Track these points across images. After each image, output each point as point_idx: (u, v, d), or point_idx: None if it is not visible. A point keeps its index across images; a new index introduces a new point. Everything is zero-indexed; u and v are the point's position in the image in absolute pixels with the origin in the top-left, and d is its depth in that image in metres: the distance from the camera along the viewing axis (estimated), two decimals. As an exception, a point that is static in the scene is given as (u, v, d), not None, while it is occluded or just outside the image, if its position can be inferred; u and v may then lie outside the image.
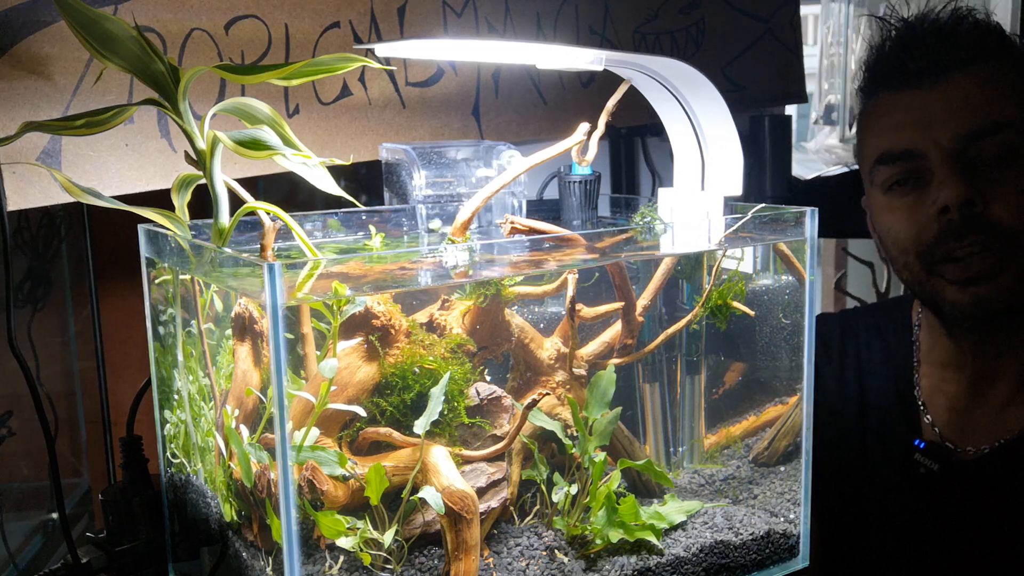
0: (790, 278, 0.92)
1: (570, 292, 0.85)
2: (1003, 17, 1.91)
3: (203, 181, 0.70)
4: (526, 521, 0.84)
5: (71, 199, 0.71)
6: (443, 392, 0.76)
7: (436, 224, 0.87)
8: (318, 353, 0.75)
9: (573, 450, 0.85)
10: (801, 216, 0.85)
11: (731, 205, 0.87)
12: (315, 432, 0.72)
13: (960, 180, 0.94)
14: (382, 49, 0.84)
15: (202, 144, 0.68)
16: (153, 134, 0.90)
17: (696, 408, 1.01)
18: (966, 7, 1.01)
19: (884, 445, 1.11)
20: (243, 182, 0.73)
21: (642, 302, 0.91)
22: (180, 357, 0.81)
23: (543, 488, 0.85)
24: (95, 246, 1.24)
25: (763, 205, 0.84)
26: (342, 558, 0.73)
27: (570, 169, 0.89)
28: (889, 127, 1.01)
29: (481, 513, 0.76)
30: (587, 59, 0.79)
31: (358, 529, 0.73)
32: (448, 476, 0.75)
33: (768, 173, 1.56)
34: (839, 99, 2.21)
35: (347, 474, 0.73)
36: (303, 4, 0.97)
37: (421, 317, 0.83)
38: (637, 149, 1.71)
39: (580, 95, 1.26)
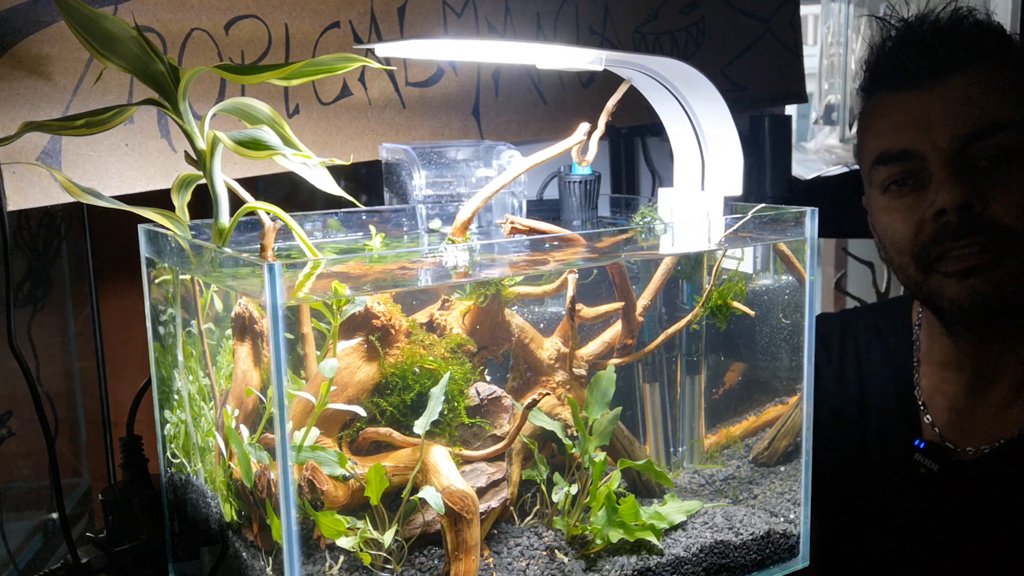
0: (790, 278, 0.92)
1: (570, 292, 0.85)
2: (1003, 17, 1.91)
3: (203, 181, 0.70)
4: (526, 521, 0.84)
5: (71, 199, 0.71)
6: (443, 392, 0.76)
7: (436, 224, 0.87)
8: (318, 353, 0.75)
9: (573, 450, 0.85)
10: (801, 216, 0.85)
11: (731, 205, 0.87)
12: (315, 432, 0.72)
13: (958, 182, 0.94)
14: (382, 49, 0.84)
15: (202, 144, 0.68)
16: (153, 134, 0.90)
17: (696, 408, 1.01)
18: (966, 7, 1.01)
19: (884, 445, 1.11)
20: (243, 182, 0.73)
21: (642, 302, 0.91)
22: (180, 357, 0.81)
23: (543, 488, 0.85)
24: (95, 246, 1.24)
25: (763, 205, 0.84)
26: (342, 558, 0.73)
27: (570, 169, 0.89)
28: (888, 127, 1.01)
29: (481, 513, 0.76)
30: (587, 59, 0.79)
31: (358, 529, 0.73)
32: (448, 476, 0.75)
33: (768, 173, 1.56)
34: (839, 99, 2.21)
35: (347, 474, 0.73)
36: (303, 4, 0.97)
37: (421, 317, 0.83)
38: (637, 149, 1.71)
39: (580, 95, 1.26)
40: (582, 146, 0.85)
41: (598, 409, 0.86)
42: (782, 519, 0.90)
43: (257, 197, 0.70)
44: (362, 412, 0.75)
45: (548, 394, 0.87)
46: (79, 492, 1.37)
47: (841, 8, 2.18)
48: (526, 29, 1.19)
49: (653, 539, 0.82)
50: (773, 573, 0.87)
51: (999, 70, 0.97)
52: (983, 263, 0.95)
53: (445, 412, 0.77)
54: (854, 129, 2.15)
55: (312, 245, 0.70)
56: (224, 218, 0.70)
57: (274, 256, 0.68)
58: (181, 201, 0.73)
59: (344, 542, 0.72)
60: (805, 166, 2.26)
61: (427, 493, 0.73)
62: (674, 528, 0.85)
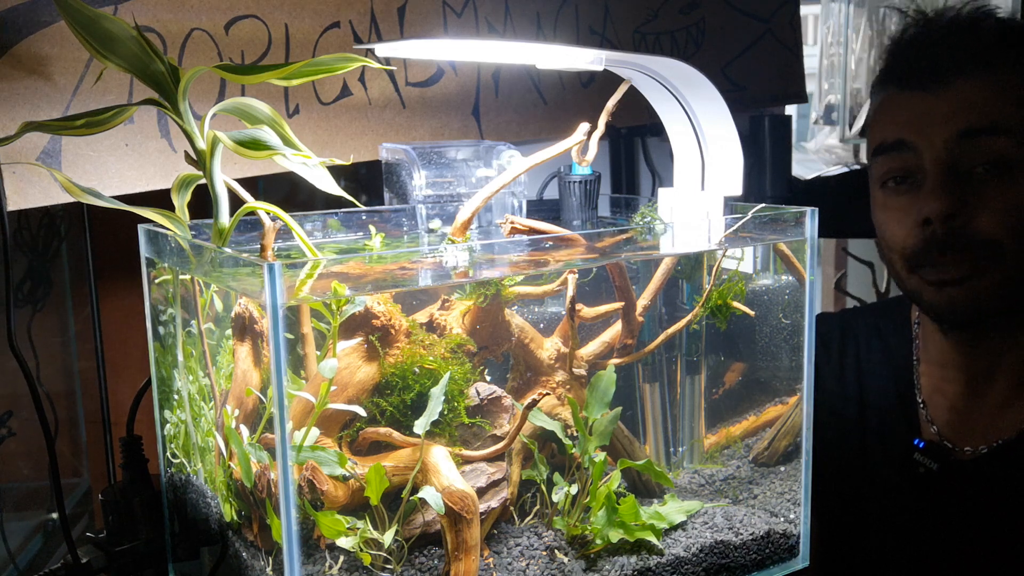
0: (790, 278, 0.92)
1: (570, 292, 0.85)
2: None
3: (203, 181, 0.70)
4: (526, 521, 0.84)
5: (71, 199, 0.71)
6: (443, 392, 0.76)
7: (436, 224, 0.87)
8: (318, 353, 0.75)
9: (573, 450, 0.85)
10: (801, 216, 0.85)
11: (731, 205, 0.87)
12: (315, 432, 0.72)
13: (946, 193, 0.95)
14: (382, 49, 0.84)
15: (202, 144, 0.68)
16: (153, 134, 0.90)
17: (696, 408, 1.01)
18: (987, 7, 1.00)
19: (884, 445, 1.11)
20: (243, 182, 0.73)
21: (642, 302, 0.91)
22: (180, 357, 0.81)
23: (543, 488, 0.85)
24: (95, 246, 1.24)
25: (763, 205, 0.84)
26: (342, 558, 0.73)
27: (570, 169, 0.89)
28: (889, 122, 1.02)
29: (481, 513, 0.76)
30: (587, 59, 0.79)
31: (358, 529, 0.73)
32: (448, 476, 0.75)
33: (768, 173, 1.56)
34: (839, 99, 2.21)
35: (347, 474, 0.73)
36: (303, 4, 0.97)
37: (421, 317, 0.83)
38: (637, 149, 1.71)
39: (580, 95, 1.26)
40: (582, 146, 0.85)
41: (598, 409, 0.86)
42: (782, 519, 0.90)
43: (257, 197, 0.70)
44: (362, 412, 0.75)
45: (548, 394, 0.87)
46: (79, 492, 1.37)
47: (841, 8, 2.18)
48: (526, 29, 1.19)
49: (653, 539, 0.82)
50: (773, 573, 0.87)
51: (1010, 75, 0.96)
52: (961, 275, 0.96)
53: (445, 412, 0.77)
54: (854, 129, 2.16)
55: (312, 245, 0.70)
56: (224, 218, 0.70)
57: (274, 256, 0.68)
58: (181, 201, 0.73)
59: (344, 542, 0.72)
60: (805, 166, 2.26)
61: (427, 493, 0.73)
62: (674, 528, 0.85)
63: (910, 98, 0.99)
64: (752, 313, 0.93)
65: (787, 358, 0.91)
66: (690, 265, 0.95)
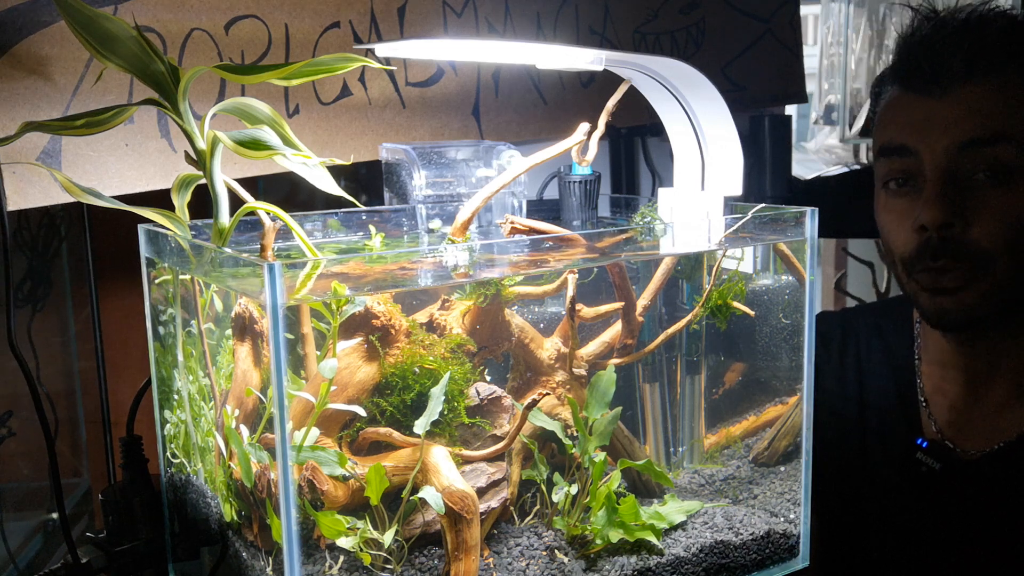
0: (790, 278, 0.92)
1: (570, 292, 0.85)
2: (1003, 17, 1.90)
3: (203, 181, 0.70)
4: (526, 521, 0.84)
5: (71, 199, 0.71)
6: (443, 392, 0.76)
7: (436, 224, 0.87)
8: (318, 353, 0.75)
9: (573, 450, 0.85)
10: (801, 216, 0.85)
11: (731, 205, 0.87)
12: (315, 432, 0.72)
13: (942, 202, 0.95)
14: (382, 49, 0.84)
15: (202, 144, 0.68)
16: (153, 134, 0.89)
17: (696, 408, 1.01)
18: (999, 8, 0.98)
19: (885, 444, 1.11)
20: (243, 182, 0.73)
21: (642, 302, 0.91)
22: (180, 357, 0.81)
23: (543, 488, 0.85)
24: (95, 246, 1.24)
25: (763, 205, 0.84)
26: (342, 558, 0.73)
27: (570, 169, 0.89)
28: (892, 122, 1.01)
29: (481, 513, 0.76)
30: (587, 59, 0.79)
31: (358, 529, 0.73)
32: (448, 476, 0.75)
33: (768, 173, 1.56)
34: (839, 99, 2.21)
35: (347, 474, 0.73)
36: (303, 4, 0.97)
37: (421, 317, 0.83)
38: (637, 149, 1.71)
39: (580, 95, 1.26)
40: (582, 146, 0.85)
41: (598, 409, 0.86)
42: (782, 519, 0.90)
43: (257, 197, 0.70)
44: (362, 412, 0.75)
45: (548, 394, 0.87)
46: (79, 492, 1.37)
47: (841, 8, 2.18)
48: (526, 29, 1.19)
49: (653, 539, 0.82)
50: (773, 573, 0.87)
51: (1016, 79, 0.95)
52: (953, 285, 0.97)
53: (445, 412, 0.77)
54: (854, 129, 2.16)
55: (312, 245, 0.70)
56: (224, 218, 0.70)
57: (274, 256, 0.68)
58: (181, 201, 0.73)
59: (344, 542, 0.72)
60: (805, 166, 2.26)
61: (427, 493, 0.73)
62: (674, 528, 0.85)
63: (914, 101, 0.99)
64: (752, 313, 0.93)
65: (787, 358, 0.91)
66: (690, 265, 0.95)
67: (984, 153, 0.94)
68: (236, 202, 0.70)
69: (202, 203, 0.73)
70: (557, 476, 0.85)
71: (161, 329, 0.84)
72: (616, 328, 0.91)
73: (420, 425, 0.76)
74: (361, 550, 0.73)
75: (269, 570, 0.71)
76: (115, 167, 0.87)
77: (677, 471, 0.99)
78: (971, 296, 0.97)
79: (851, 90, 2.18)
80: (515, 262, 0.76)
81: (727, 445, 1.00)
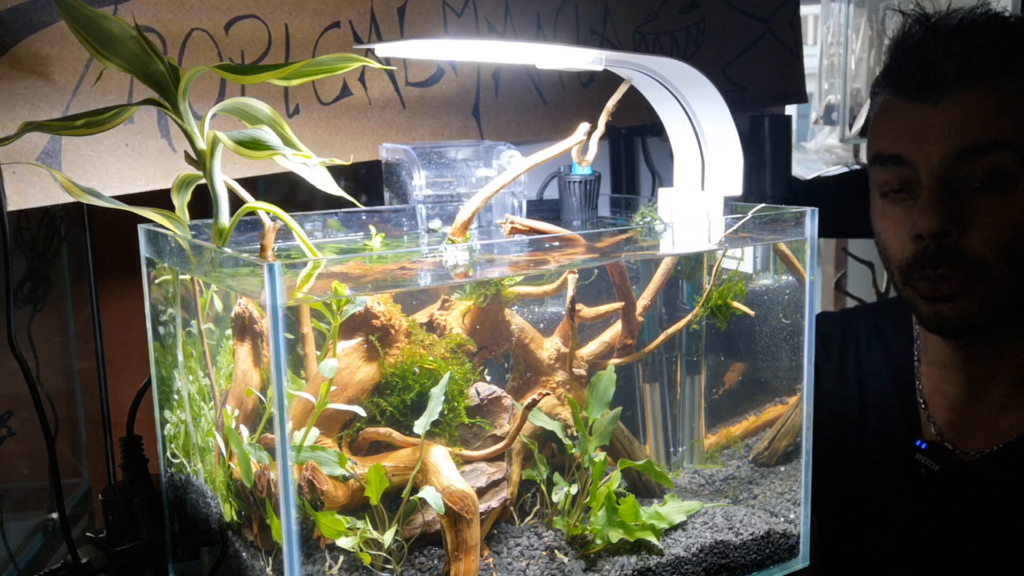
0: (790, 278, 0.92)
1: (570, 292, 0.85)
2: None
3: (203, 181, 0.70)
4: (526, 521, 0.84)
5: (71, 199, 0.71)
6: (443, 392, 0.76)
7: (436, 224, 0.87)
8: (318, 353, 0.75)
9: (573, 450, 0.85)
10: (801, 216, 0.85)
11: (731, 205, 0.87)
12: (315, 432, 0.72)
13: (939, 210, 0.94)
14: (382, 49, 0.84)
15: (202, 144, 0.68)
16: (153, 134, 0.90)
17: (696, 408, 1.01)
18: (992, 11, 0.97)
19: (884, 445, 1.11)
20: (243, 182, 0.73)
21: (642, 302, 0.91)
22: (180, 357, 0.81)
23: (543, 488, 0.85)
24: (95, 246, 1.24)
25: (763, 205, 0.84)
26: (342, 558, 0.73)
27: (570, 169, 0.89)
28: (888, 130, 1.01)
29: (481, 513, 0.76)
30: (587, 59, 0.79)
31: (358, 529, 0.73)
32: (448, 476, 0.75)
33: (768, 173, 1.56)
34: (839, 99, 2.21)
35: (347, 474, 0.73)
36: (303, 4, 0.97)
37: (421, 317, 0.83)
38: (637, 149, 1.71)
39: (580, 95, 1.26)
40: (582, 146, 0.85)
41: (598, 409, 0.86)
42: (782, 519, 0.90)
43: (257, 197, 0.70)
44: (362, 412, 0.75)
45: (548, 394, 0.87)
46: (79, 492, 1.37)
47: (841, 8, 2.18)
48: (526, 29, 1.19)
49: (653, 539, 0.82)
50: (773, 573, 0.87)
51: (1010, 84, 0.93)
52: (950, 292, 0.97)
53: (445, 412, 0.77)
54: (854, 129, 2.16)
55: (312, 245, 0.70)
56: (224, 218, 0.70)
57: (274, 256, 0.68)
58: (181, 201, 0.73)
59: (344, 542, 0.72)
60: (805, 166, 2.26)
61: (427, 493, 0.73)
62: (674, 528, 0.85)
63: (908, 108, 0.98)
64: (752, 313, 0.93)
65: (787, 358, 0.91)
66: (690, 265, 0.95)
67: (980, 161, 0.93)
68: (236, 202, 0.70)
69: (202, 203, 0.73)
70: (557, 476, 0.85)
71: (161, 329, 0.84)
72: (616, 328, 0.91)
73: (420, 425, 0.76)
74: (361, 550, 0.73)
75: (269, 570, 0.71)
76: (115, 167, 0.87)
77: (677, 471, 0.99)
78: (970, 303, 0.97)
79: (851, 90, 2.18)
80: (515, 262, 0.76)
81: (727, 445, 1.00)
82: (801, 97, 1.65)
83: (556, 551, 0.80)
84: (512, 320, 0.86)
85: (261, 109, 0.71)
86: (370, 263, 0.70)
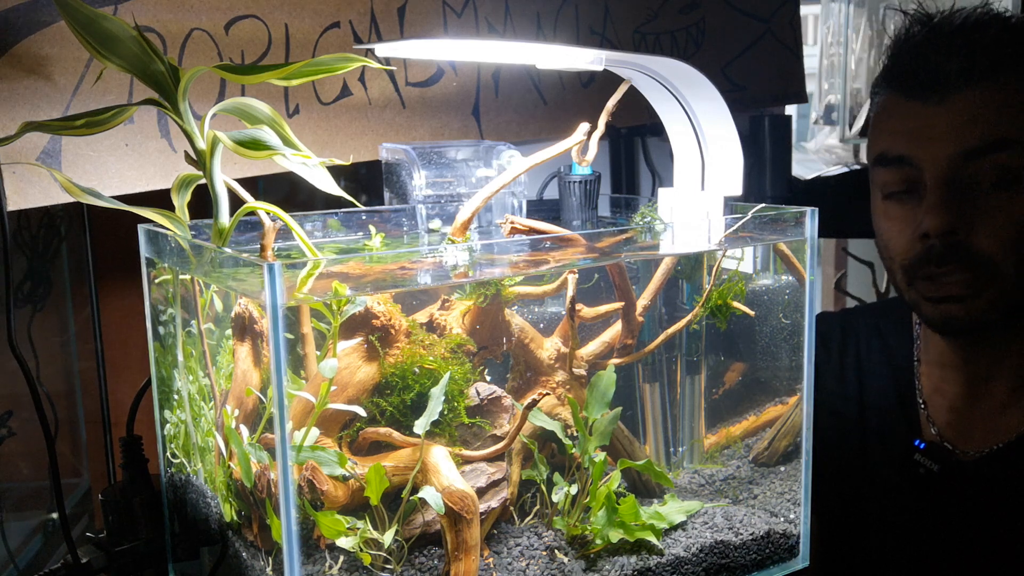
0: (790, 278, 0.92)
1: (570, 292, 0.85)
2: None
3: (203, 181, 0.70)
4: (526, 521, 0.84)
5: (71, 199, 0.71)
6: (443, 392, 0.76)
7: (436, 224, 0.87)
8: (318, 353, 0.75)
9: (573, 450, 0.85)
10: (801, 216, 0.85)
11: (731, 205, 0.87)
12: (315, 432, 0.72)
13: (946, 209, 0.94)
14: (382, 49, 0.84)
15: (202, 144, 0.68)
16: (153, 134, 0.90)
17: (696, 408, 1.01)
18: (994, 11, 0.97)
19: (884, 445, 1.11)
20: (243, 182, 0.73)
21: (642, 302, 0.91)
22: (180, 357, 0.81)
23: (543, 488, 0.85)
24: (95, 246, 1.24)
25: (763, 205, 0.84)
26: (342, 558, 0.73)
27: (570, 169, 0.89)
28: (891, 130, 1.00)
29: (481, 513, 0.76)
30: (587, 59, 0.79)
31: (358, 529, 0.73)
32: (448, 476, 0.75)
33: (768, 173, 1.56)
34: (839, 99, 2.21)
35: (347, 474, 0.73)
36: (303, 4, 0.97)
37: (421, 317, 0.83)
38: (637, 149, 1.71)
39: (580, 95, 1.26)
40: (582, 146, 0.85)
41: (598, 409, 0.86)
42: (782, 519, 0.90)
43: (257, 197, 0.70)
44: (362, 412, 0.75)
45: (548, 394, 0.87)
46: (79, 492, 1.37)
47: (841, 8, 2.18)
48: (526, 29, 1.19)
49: (653, 539, 0.82)
50: (773, 573, 0.87)
51: (1014, 84, 0.93)
52: (959, 293, 0.96)
53: (445, 412, 0.77)
54: (854, 129, 2.16)
55: (312, 245, 0.70)
56: (224, 218, 0.70)
57: (274, 256, 0.68)
58: (181, 201, 0.73)
59: (344, 542, 0.72)
60: (805, 166, 2.26)
61: (427, 493, 0.73)
62: (674, 528, 0.85)
63: (912, 107, 0.97)
64: (752, 313, 0.93)
65: (787, 358, 0.91)
66: (690, 265, 0.95)
67: (987, 160, 0.93)
68: (236, 202, 0.70)
69: (202, 203, 0.73)
70: (557, 476, 0.85)
71: (161, 329, 0.84)
72: (616, 328, 0.91)
73: (420, 425, 0.76)
74: (361, 550, 0.73)
75: (269, 570, 0.71)
76: (115, 167, 0.87)
77: (677, 471, 0.99)
78: (980, 303, 0.96)
79: (851, 90, 2.18)
80: (515, 262, 0.76)
81: (727, 445, 1.00)
82: (801, 97, 1.65)
83: (556, 551, 0.80)
84: (512, 320, 0.86)
85: (261, 109, 0.71)
86: (370, 263, 0.70)
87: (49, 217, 1.28)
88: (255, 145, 0.69)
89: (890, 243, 1.02)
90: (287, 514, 0.62)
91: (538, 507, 0.85)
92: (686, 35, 1.42)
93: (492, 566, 0.78)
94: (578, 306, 0.87)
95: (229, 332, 0.77)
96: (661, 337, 0.93)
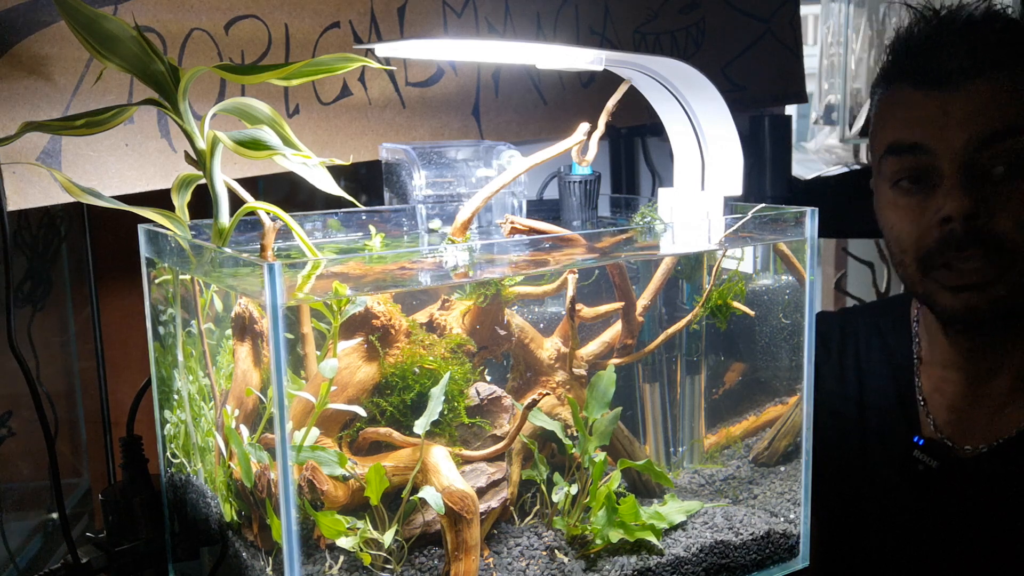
0: (790, 278, 0.92)
1: (570, 292, 0.85)
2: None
3: (203, 181, 0.70)
4: (526, 521, 0.84)
5: (71, 199, 0.71)
6: (443, 392, 0.76)
7: (436, 224, 0.87)
8: (318, 353, 0.75)
9: (573, 450, 0.85)
10: (801, 216, 0.85)
11: (731, 205, 0.87)
12: (315, 432, 0.72)
13: (966, 192, 0.94)
14: (382, 49, 0.84)
15: (202, 144, 0.68)
16: (153, 134, 0.90)
17: (696, 408, 1.01)
18: (1000, 6, 0.98)
19: (884, 444, 1.11)
20: (243, 182, 0.73)
21: (642, 302, 0.91)
22: (180, 357, 0.81)
23: (543, 488, 0.85)
24: (95, 246, 1.24)
25: (763, 205, 0.84)
26: (342, 558, 0.73)
27: (570, 169, 0.89)
28: (904, 120, 1.00)
29: (481, 513, 0.76)
30: (587, 59, 0.79)
31: (358, 529, 0.73)
32: (448, 476, 0.75)
33: (768, 173, 1.56)
34: (839, 99, 2.21)
35: (347, 474, 0.73)
36: (303, 4, 0.97)
37: (421, 317, 0.83)
38: (637, 149, 1.71)
39: (580, 95, 1.26)
40: (582, 146, 0.85)
41: (598, 409, 0.86)
42: (782, 519, 0.90)
43: (257, 197, 0.70)
44: (362, 412, 0.75)
45: (548, 394, 0.87)
46: (79, 492, 1.37)
47: (841, 8, 2.18)
48: (526, 29, 1.19)
49: (653, 539, 0.82)
50: (773, 573, 0.87)
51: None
52: (979, 280, 0.96)
53: (445, 412, 0.77)
54: (854, 129, 2.16)
55: (312, 245, 0.70)
56: (224, 218, 0.70)
57: (274, 256, 0.68)
58: (181, 201, 0.73)
59: (344, 542, 0.72)
60: (805, 166, 2.26)
61: (427, 493, 0.73)
62: (674, 528, 0.85)
63: (924, 97, 0.97)
64: (752, 313, 0.93)
65: (787, 358, 0.91)
66: (690, 265, 0.95)
67: (1004, 146, 0.93)
68: (236, 202, 0.70)
69: (202, 203, 0.73)
70: (557, 476, 0.85)
71: (161, 329, 0.84)
72: (616, 328, 0.91)
73: (420, 425, 0.76)
74: (361, 550, 0.73)
75: (269, 570, 0.71)
76: (115, 167, 0.87)
77: (677, 471, 0.99)
78: (1001, 289, 0.95)
79: (851, 90, 2.18)
80: (515, 262, 0.76)
81: (727, 445, 1.00)
82: (801, 97, 1.65)
83: (556, 551, 0.80)
84: (512, 320, 0.86)
85: (261, 109, 0.71)
86: (370, 263, 0.70)
87: (49, 217, 1.28)
88: (255, 145, 0.69)
89: (902, 234, 1.01)
90: (287, 514, 0.62)
91: (538, 507, 0.85)
92: (686, 35, 1.42)
93: (492, 566, 0.78)
94: (578, 306, 0.87)
95: (229, 332, 0.77)
96: (661, 337, 0.93)
